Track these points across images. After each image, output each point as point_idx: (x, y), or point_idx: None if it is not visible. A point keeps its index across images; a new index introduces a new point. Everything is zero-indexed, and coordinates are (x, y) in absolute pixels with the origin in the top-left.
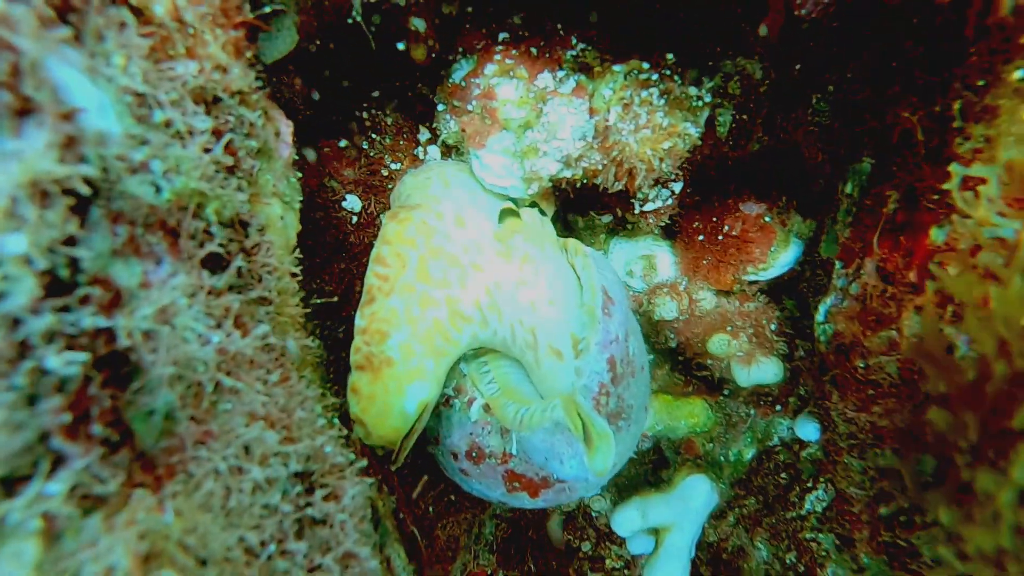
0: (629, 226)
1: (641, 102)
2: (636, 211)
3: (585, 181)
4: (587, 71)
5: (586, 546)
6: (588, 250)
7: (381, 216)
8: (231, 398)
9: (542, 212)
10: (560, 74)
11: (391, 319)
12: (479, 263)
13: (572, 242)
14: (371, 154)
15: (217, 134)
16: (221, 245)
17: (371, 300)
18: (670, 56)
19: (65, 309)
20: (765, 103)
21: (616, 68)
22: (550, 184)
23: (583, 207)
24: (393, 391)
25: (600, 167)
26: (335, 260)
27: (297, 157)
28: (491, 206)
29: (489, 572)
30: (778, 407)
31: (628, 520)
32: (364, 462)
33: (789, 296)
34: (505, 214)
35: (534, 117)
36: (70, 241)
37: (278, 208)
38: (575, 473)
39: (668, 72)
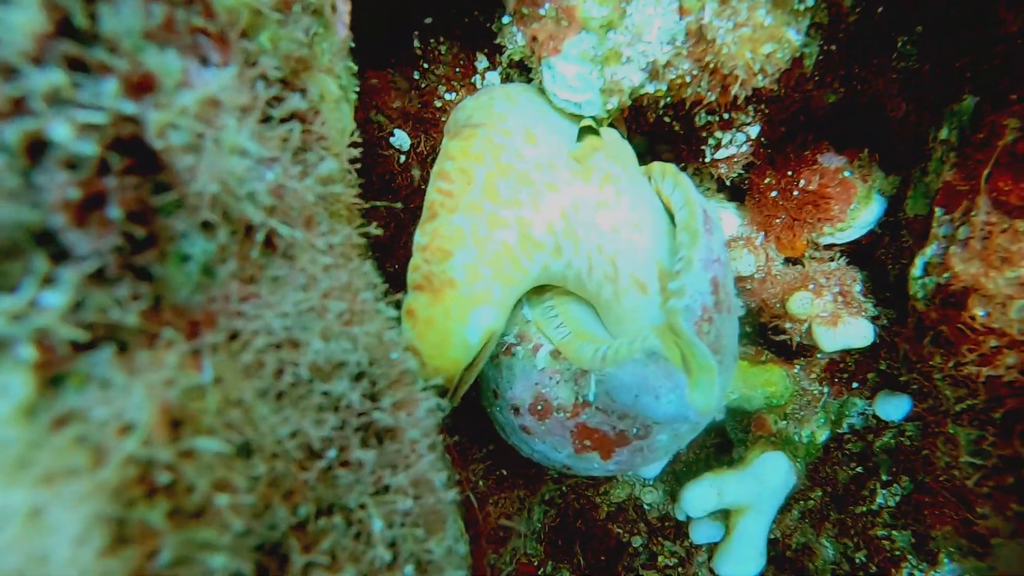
0: (703, 188)
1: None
2: (707, 159)
3: (669, 99)
4: None
5: (637, 541)
6: (678, 170)
7: (435, 152)
8: (284, 262)
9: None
10: None
11: (455, 237)
12: (554, 182)
13: (659, 164)
14: (423, 85)
15: None
16: (277, 72)
17: (433, 216)
18: None
19: (80, 67)
20: (853, 37)
21: None
22: (630, 101)
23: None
24: (455, 316)
25: (689, 78)
26: (380, 201)
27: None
28: (564, 125)
29: (536, 564)
30: (855, 384)
31: (701, 498)
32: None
33: (863, 267)
34: (584, 132)
35: (618, 17)
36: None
37: (334, 87)
38: (674, 410)
39: None
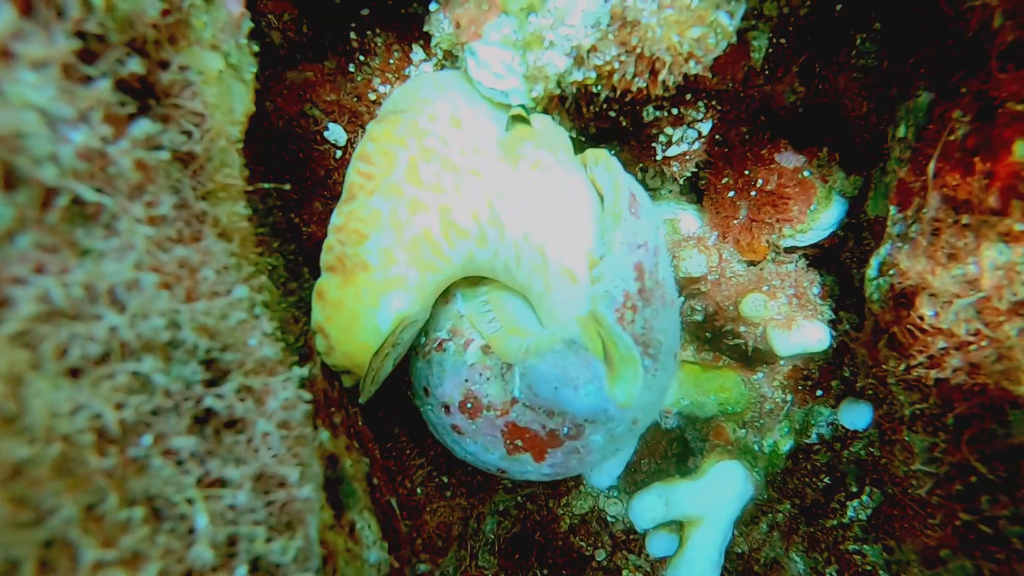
0: (651, 191)
1: None
2: (659, 156)
3: (603, 89)
4: None
5: (600, 555)
6: (613, 159)
7: None
8: (98, 227)
9: (557, 122)
10: None
11: (372, 220)
12: (479, 169)
13: (592, 151)
14: (358, 78)
15: None
16: (101, 28)
17: (351, 198)
18: None
19: None
20: (806, 32)
21: None
22: (558, 88)
23: None
24: (365, 299)
25: (617, 64)
26: (315, 197)
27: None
28: (494, 113)
29: None
30: (819, 392)
31: (648, 508)
32: (304, 371)
33: (829, 271)
34: (514, 120)
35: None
36: None
37: (217, 63)
38: (592, 403)
39: None
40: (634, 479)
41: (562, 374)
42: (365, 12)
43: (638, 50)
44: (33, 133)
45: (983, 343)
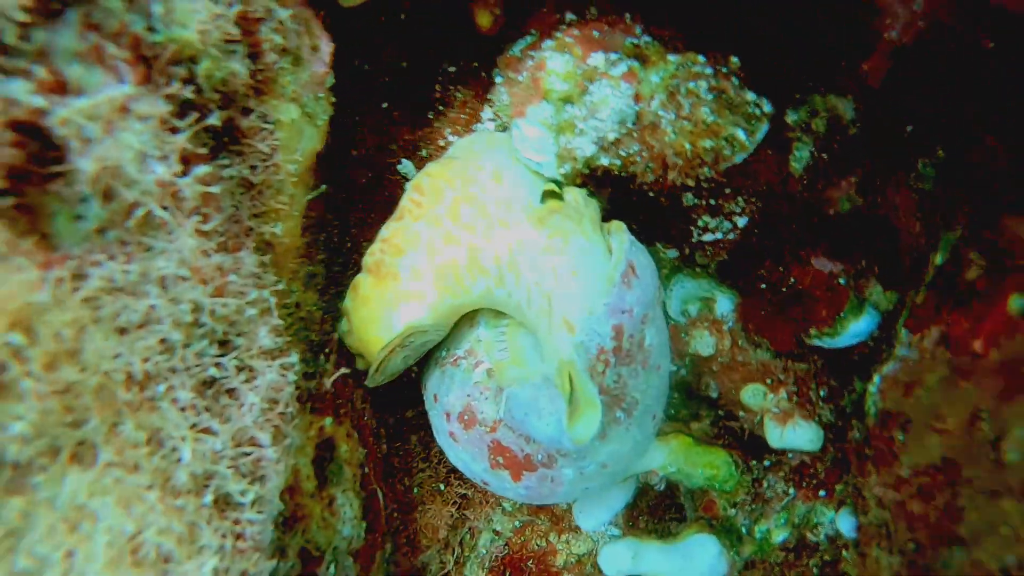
0: (698, 268)
1: (687, 93)
2: (694, 238)
3: (624, 175)
4: (643, 60)
5: None
6: (629, 234)
7: None
8: (160, 234)
9: (591, 194)
10: (614, 57)
11: (412, 240)
12: (507, 221)
13: (614, 223)
14: (434, 124)
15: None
16: (198, 96)
17: (400, 217)
18: (735, 59)
19: (1, 71)
20: (854, 149)
21: (671, 58)
22: (586, 169)
23: (649, 238)
24: (387, 301)
25: (639, 159)
26: (378, 219)
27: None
28: (529, 177)
29: None
30: (822, 492)
31: (616, 556)
32: (294, 358)
33: (849, 378)
34: (547, 195)
35: (577, 93)
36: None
37: (294, 112)
38: (551, 433)
39: (725, 71)
40: (635, 534)
41: (533, 403)
42: (452, 69)
43: (655, 150)
44: (129, 165)
45: (940, 478)
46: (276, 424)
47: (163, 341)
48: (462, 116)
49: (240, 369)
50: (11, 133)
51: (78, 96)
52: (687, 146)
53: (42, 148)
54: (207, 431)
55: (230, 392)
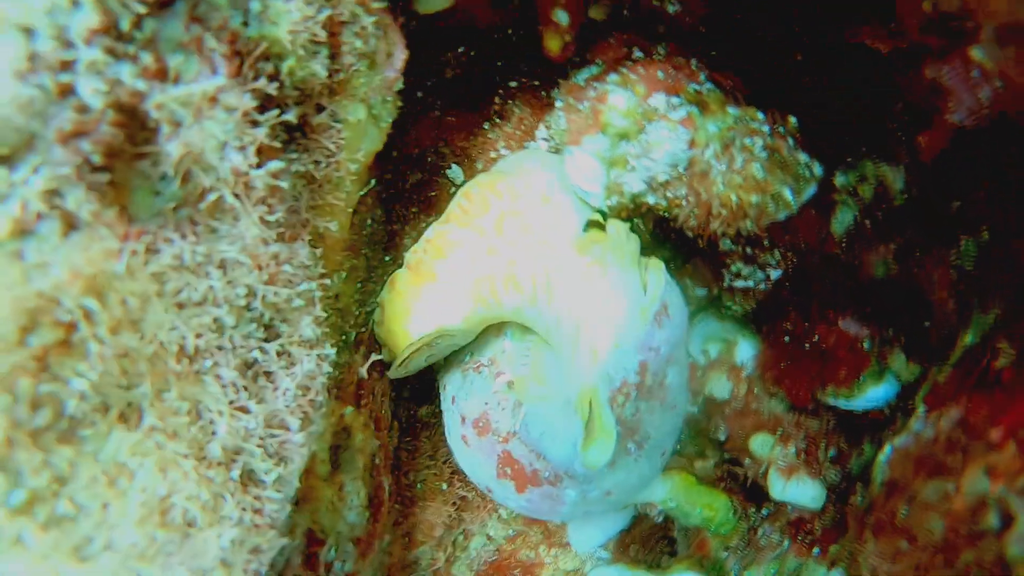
0: (724, 310)
1: (742, 148)
2: (725, 282)
3: (667, 215)
4: (703, 108)
5: None
6: (666, 273)
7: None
8: (227, 218)
9: (633, 229)
10: (675, 101)
11: (456, 245)
12: (549, 242)
13: (652, 260)
14: (489, 135)
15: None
16: (279, 92)
17: (447, 221)
18: (793, 120)
19: (113, 55)
20: (897, 218)
21: (731, 111)
22: (632, 204)
23: (681, 273)
24: (422, 301)
25: (685, 203)
26: (423, 219)
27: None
28: (575, 203)
29: None
30: (816, 550)
31: None
32: (330, 350)
33: (861, 442)
34: (591, 224)
35: (634, 131)
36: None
37: (362, 113)
38: (564, 455)
39: (782, 130)
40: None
41: (551, 423)
42: (514, 84)
43: (701, 197)
44: (210, 152)
45: (938, 559)
46: (306, 411)
47: (216, 320)
48: (517, 132)
49: (280, 355)
50: (115, 114)
51: (176, 84)
52: (734, 199)
53: (136, 128)
54: (243, 409)
55: (268, 375)
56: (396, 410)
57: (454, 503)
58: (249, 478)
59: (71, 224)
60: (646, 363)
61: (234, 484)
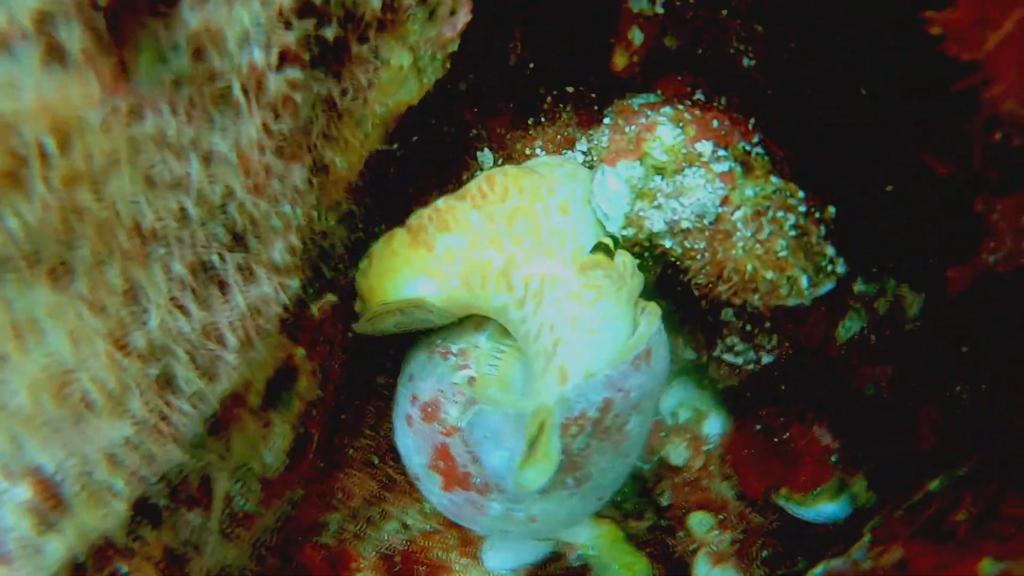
0: (707, 379)
1: (772, 219)
2: (716, 352)
3: (679, 264)
4: (746, 168)
5: None
6: (660, 321)
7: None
8: (229, 112)
9: (641, 267)
10: (722, 153)
11: (462, 224)
12: (553, 252)
13: (652, 305)
14: (530, 132)
15: None
16: (324, 4)
17: (461, 198)
18: (831, 210)
19: None
20: (904, 343)
21: (774, 180)
22: (647, 242)
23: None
24: (412, 266)
25: (699, 257)
26: (439, 191)
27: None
28: (592, 221)
29: (353, 566)
30: None
31: None
32: (295, 282)
33: (798, 552)
34: (599, 247)
35: (672, 169)
36: None
37: (406, 60)
38: (499, 466)
39: (818, 216)
40: None
41: (496, 431)
42: (570, 90)
43: (717, 256)
44: (231, 37)
45: None
46: (250, 334)
47: (183, 210)
48: (558, 137)
49: (241, 269)
50: None
51: None
52: (749, 268)
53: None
54: (183, 310)
55: (222, 285)
56: (352, 370)
57: (381, 481)
58: (167, 382)
59: (57, 57)
60: (612, 402)
61: (148, 382)
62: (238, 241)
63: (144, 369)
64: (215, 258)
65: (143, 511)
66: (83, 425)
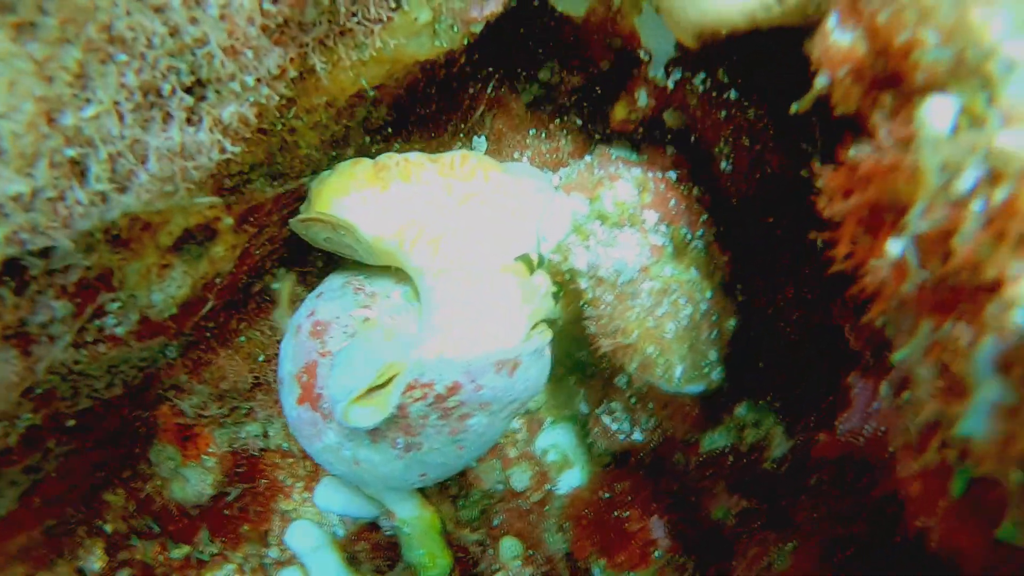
0: (587, 434)
1: (672, 303)
2: (599, 411)
3: (585, 307)
4: (678, 252)
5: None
6: (548, 347)
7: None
8: None
9: (555, 297)
10: (664, 229)
11: (423, 182)
12: (487, 244)
13: (548, 330)
14: (526, 140)
15: None
16: None
17: (435, 161)
18: (732, 323)
19: None
20: (757, 482)
21: (693, 271)
22: (567, 276)
23: (576, 380)
24: (360, 193)
25: (601, 308)
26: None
27: None
28: (532, 240)
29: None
30: None
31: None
32: (236, 148)
33: None
34: (523, 258)
35: (614, 221)
36: None
37: (424, 16)
38: (335, 393)
39: (715, 320)
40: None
41: (354, 366)
42: (579, 122)
43: (613, 315)
44: None
45: None
46: (173, 171)
47: (154, 33)
48: (548, 155)
49: (189, 110)
50: None
51: None
52: (635, 334)
53: None
54: (120, 116)
55: (166, 116)
56: (278, 267)
57: (258, 378)
58: (81, 172)
59: None
60: (459, 387)
61: (61, 159)
62: (197, 85)
63: (62, 146)
64: (167, 88)
65: (11, 272)
66: None
